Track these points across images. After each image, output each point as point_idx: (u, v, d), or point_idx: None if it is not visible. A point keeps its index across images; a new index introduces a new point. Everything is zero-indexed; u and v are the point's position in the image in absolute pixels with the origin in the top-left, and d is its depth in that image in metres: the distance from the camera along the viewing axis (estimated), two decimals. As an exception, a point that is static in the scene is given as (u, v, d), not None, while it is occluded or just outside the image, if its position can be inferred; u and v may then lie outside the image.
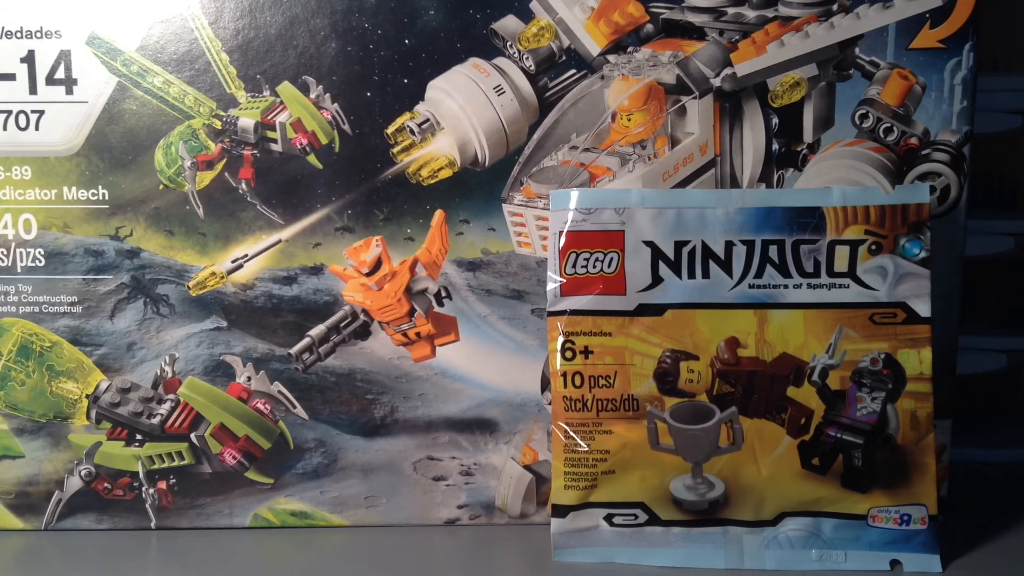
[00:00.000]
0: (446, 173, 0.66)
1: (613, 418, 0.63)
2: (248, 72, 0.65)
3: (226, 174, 0.66)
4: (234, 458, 0.68)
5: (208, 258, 0.67)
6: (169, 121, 0.65)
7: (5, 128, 0.65)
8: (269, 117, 0.66)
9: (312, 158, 0.66)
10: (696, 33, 0.66)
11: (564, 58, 0.66)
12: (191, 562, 0.65)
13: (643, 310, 0.63)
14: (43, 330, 0.67)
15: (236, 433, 0.68)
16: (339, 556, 0.66)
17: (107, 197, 0.66)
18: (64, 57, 0.64)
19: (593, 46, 0.66)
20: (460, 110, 0.65)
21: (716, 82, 0.66)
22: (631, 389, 0.63)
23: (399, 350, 0.68)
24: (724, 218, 0.63)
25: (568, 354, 0.63)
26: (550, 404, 0.65)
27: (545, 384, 0.68)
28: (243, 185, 0.66)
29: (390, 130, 0.65)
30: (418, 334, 0.68)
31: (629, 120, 0.66)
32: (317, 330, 0.67)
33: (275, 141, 0.66)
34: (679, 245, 0.63)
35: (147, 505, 0.69)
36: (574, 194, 0.64)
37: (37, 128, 0.65)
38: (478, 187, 0.66)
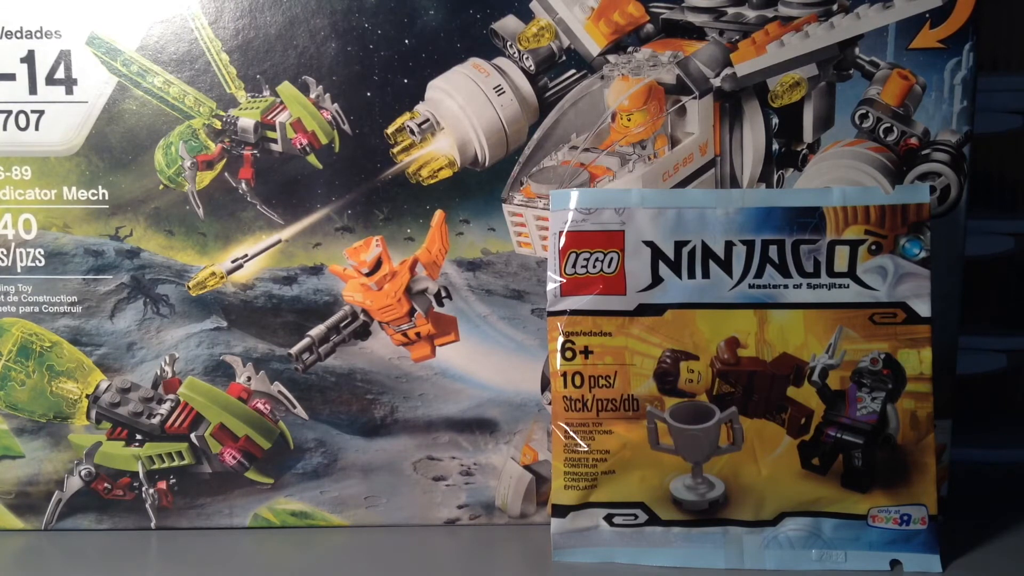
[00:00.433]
0: (446, 173, 0.66)
1: (613, 418, 0.63)
2: (248, 72, 0.65)
3: (226, 174, 0.66)
4: (234, 458, 0.68)
5: (208, 258, 0.67)
6: (169, 121, 0.65)
7: (5, 128, 0.65)
8: (269, 117, 0.66)
9: (312, 158, 0.66)
10: (696, 33, 0.66)
11: (564, 58, 0.66)
12: (191, 562, 0.65)
13: (643, 310, 0.63)
14: (43, 330, 0.67)
15: (236, 433, 0.68)
16: (339, 556, 0.66)
17: (107, 197, 0.66)
18: (64, 57, 0.64)
19: (593, 46, 0.66)
20: (460, 110, 0.65)
21: (716, 82, 0.66)
22: (631, 389, 0.63)
23: (399, 350, 0.68)
24: (724, 218, 0.63)
25: (568, 354, 0.63)
26: (550, 404, 0.65)
27: (545, 384, 0.68)
28: (243, 185, 0.66)
29: (390, 130, 0.65)
30: (418, 334, 0.68)
31: (629, 120, 0.66)
32: (317, 330, 0.67)
33: (275, 141, 0.66)
34: (679, 245, 0.63)
35: (147, 505, 0.69)
36: (574, 194, 0.64)
37: (37, 128, 0.65)
38: (478, 187, 0.66)
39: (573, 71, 0.66)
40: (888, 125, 0.66)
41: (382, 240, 0.67)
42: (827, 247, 0.63)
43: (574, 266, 0.63)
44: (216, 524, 0.69)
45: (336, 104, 0.65)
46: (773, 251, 0.63)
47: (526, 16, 0.65)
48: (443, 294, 0.67)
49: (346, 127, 0.65)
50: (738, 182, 0.68)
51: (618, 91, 0.66)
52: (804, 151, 0.67)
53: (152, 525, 0.69)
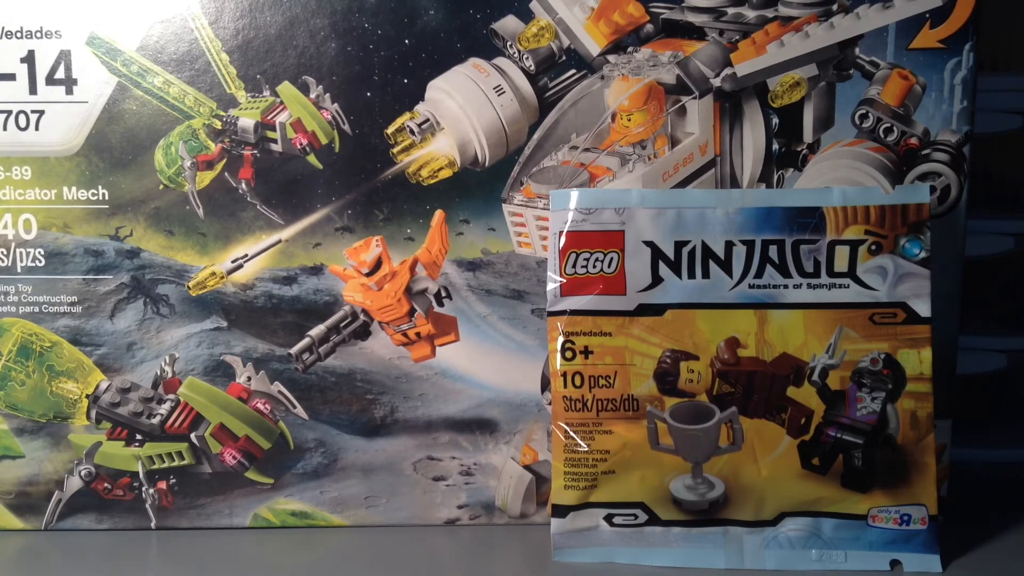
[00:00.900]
0: (446, 173, 0.66)
1: (613, 418, 0.63)
2: (248, 72, 0.65)
3: (226, 174, 0.66)
4: (234, 458, 0.68)
5: (208, 258, 0.67)
6: (169, 121, 0.65)
7: (5, 128, 0.65)
8: (269, 117, 0.66)
9: (312, 158, 0.66)
10: (696, 33, 0.66)
11: (564, 58, 0.66)
12: (191, 562, 0.65)
13: (643, 310, 0.63)
14: (43, 330, 0.67)
15: (236, 433, 0.68)
16: (339, 556, 0.66)
17: (107, 197, 0.66)
18: (64, 57, 0.64)
19: (593, 46, 0.66)
20: (460, 110, 0.65)
21: (716, 82, 0.66)
22: (631, 389, 0.63)
23: (399, 350, 0.68)
24: (724, 218, 0.63)
25: (568, 354, 0.63)
26: (550, 404, 0.65)
27: (545, 384, 0.68)
28: (243, 185, 0.66)
29: (390, 130, 0.65)
30: (418, 334, 0.68)
31: (629, 120, 0.66)
32: (317, 330, 0.67)
33: (275, 141, 0.66)
34: (679, 245, 0.63)
35: (147, 505, 0.69)
36: (574, 194, 0.64)
37: (37, 128, 0.65)
38: (478, 187, 0.66)
39: (573, 71, 0.66)
40: (888, 125, 0.66)
41: (382, 240, 0.67)
42: (827, 247, 0.63)
43: (574, 266, 0.63)
44: (216, 524, 0.69)
45: (336, 104, 0.65)
46: (773, 251, 0.63)
47: (526, 16, 0.65)
48: (443, 294, 0.67)
49: (346, 127, 0.65)
50: (738, 182, 0.68)
51: (618, 91, 0.66)
52: (804, 151, 0.67)
53: (152, 525, 0.69)
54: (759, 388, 0.63)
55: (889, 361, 0.62)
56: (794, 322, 0.63)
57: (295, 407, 0.68)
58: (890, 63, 0.66)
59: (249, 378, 0.68)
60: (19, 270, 0.66)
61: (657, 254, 0.63)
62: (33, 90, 0.65)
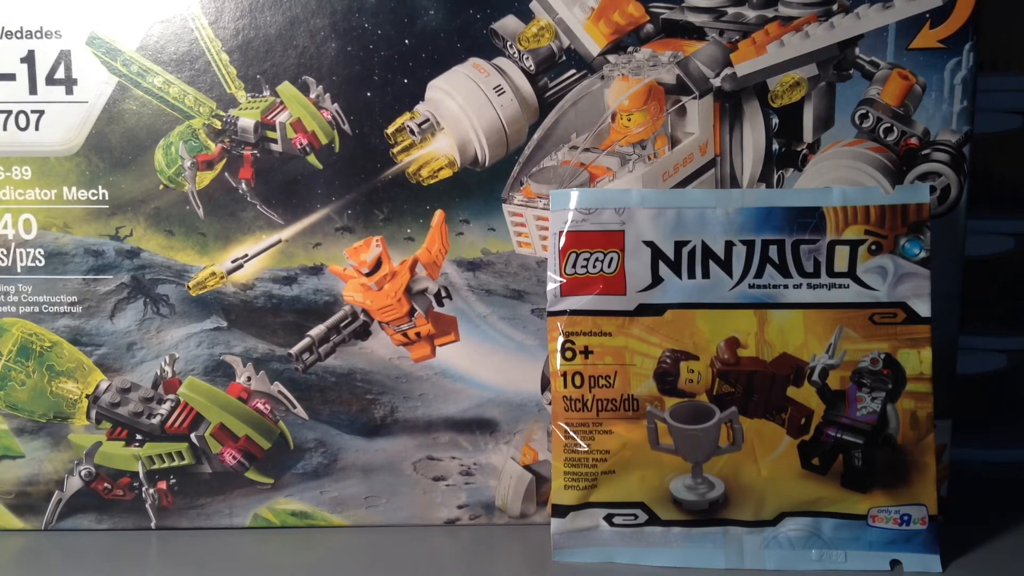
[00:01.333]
0: (446, 173, 0.66)
1: (613, 418, 0.63)
2: (248, 72, 0.65)
3: (226, 174, 0.66)
4: (234, 458, 0.68)
5: (208, 258, 0.67)
6: (169, 121, 0.65)
7: (5, 128, 0.65)
8: (269, 117, 0.66)
9: (312, 158, 0.66)
10: (696, 33, 0.66)
11: (564, 58, 0.66)
12: (191, 562, 0.65)
13: (643, 310, 0.63)
14: (43, 330, 0.67)
15: (236, 433, 0.68)
16: (339, 556, 0.66)
17: (107, 197, 0.66)
18: (64, 57, 0.64)
19: (593, 46, 0.66)
20: (460, 110, 0.65)
21: (716, 82, 0.66)
22: (631, 389, 0.63)
23: (399, 350, 0.68)
24: (724, 218, 0.63)
25: (568, 354, 0.63)
26: (550, 404, 0.65)
27: (545, 384, 0.68)
28: (243, 185, 0.66)
29: (390, 130, 0.65)
30: (418, 334, 0.68)
31: (629, 120, 0.66)
32: (317, 330, 0.67)
33: (275, 141, 0.66)
34: (679, 245, 0.63)
35: (147, 505, 0.69)
36: (574, 194, 0.64)
37: (37, 128, 0.65)
38: (478, 187, 0.66)
39: (573, 71, 0.66)
40: (888, 125, 0.66)
41: (382, 240, 0.67)
42: (827, 247, 0.63)
43: (574, 266, 0.63)
44: (216, 524, 0.69)
45: (336, 104, 0.65)
46: (773, 251, 0.63)
47: (526, 16, 0.65)
48: (443, 294, 0.67)
49: (346, 127, 0.65)
50: (738, 182, 0.68)
51: (618, 91, 0.66)
52: (804, 151, 0.67)
53: (152, 525, 0.69)
54: (759, 388, 0.63)
55: (889, 361, 0.62)
56: (794, 322, 0.63)
57: (295, 407, 0.68)
58: (890, 63, 0.66)
59: (249, 378, 0.68)
60: (19, 270, 0.66)
61: (657, 254, 0.63)
62: (33, 90, 0.65)
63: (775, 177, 0.67)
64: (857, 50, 0.66)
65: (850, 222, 0.63)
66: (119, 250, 0.66)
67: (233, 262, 0.67)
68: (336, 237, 0.67)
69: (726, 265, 0.63)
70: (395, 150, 0.66)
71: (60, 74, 0.64)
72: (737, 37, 0.66)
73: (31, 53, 0.64)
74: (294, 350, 0.68)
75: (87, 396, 0.68)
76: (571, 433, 0.64)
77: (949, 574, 0.63)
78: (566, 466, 0.64)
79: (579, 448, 0.64)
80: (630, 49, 0.66)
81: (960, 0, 0.64)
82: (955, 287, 0.68)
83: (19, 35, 0.64)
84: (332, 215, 0.66)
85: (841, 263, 0.63)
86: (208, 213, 0.66)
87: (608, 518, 0.64)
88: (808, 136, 0.67)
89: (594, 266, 0.63)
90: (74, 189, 0.66)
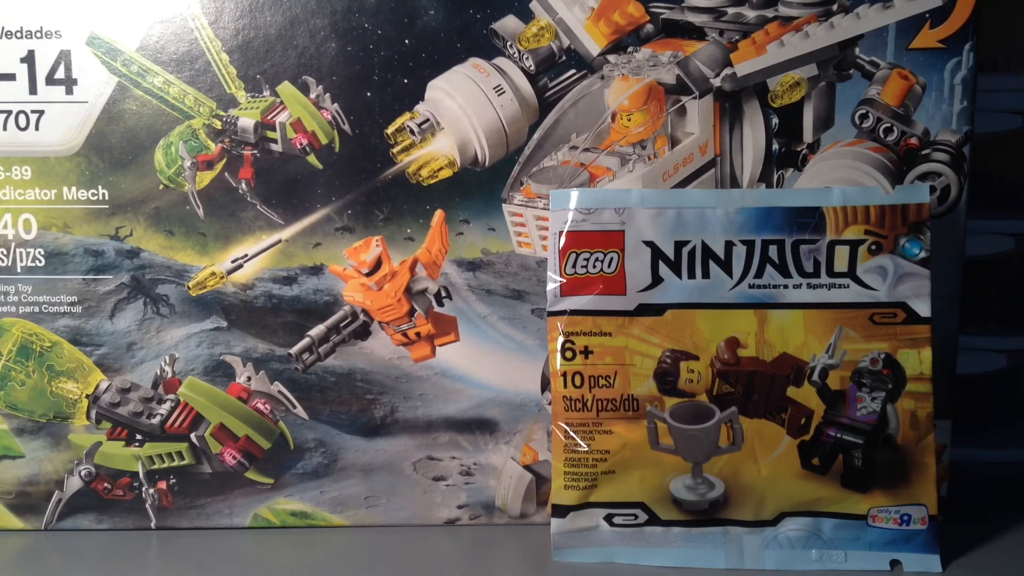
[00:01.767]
0: (446, 173, 0.66)
1: (613, 418, 0.63)
2: (248, 72, 0.65)
3: (226, 174, 0.66)
4: (234, 458, 0.68)
5: (208, 258, 0.67)
6: (169, 121, 0.65)
7: (5, 128, 0.65)
8: (269, 117, 0.66)
9: (312, 158, 0.66)
10: (696, 33, 0.66)
11: (564, 58, 0.66)
12: (191, 562, 0.65)
13: (643, 310, 0.63)
14: (43, 330, 0.67)
15: (236, 433, 0.68)
16: (339, 556, 0.66)
17: (107, 197, 0.66)
18: (64, 57, 0.64)
19: (593, 46, 0.66)
20: (460, 110, 0.65)
21: (716, 82, 0.66)
22: (631, 389, 0.63)
23: (399, 350, 0.68)
24: (724, 218, 0.63)
25: (568, 354, 0.63)
26: (550, 404, 0.65)
27: (545, 384, 0.68)
28: (243, 185, 0.66)
29: (390, 130, 0.65)
30: (418, 334, 0.68)
31: (629, 120, 0.66)
32: (317, 330, 0.67)
33: (275, 141, 0.66)
34: (679, 245, 0.63)
35: (147, 505, 0.69)
36: (574, 194, 0.64)
37: (37, 128, 0.65)
38: (478, 187, 0.66)
39: (573, 71, 0.66)
40: (888, 125, 0.66)
41: (382, 240, 0.67)
42: (827, 247, 0.63)
43: (574, 266, 0.63)
44: (216, 524, 0.69)
45: (336, 104, 0.65)
46: (773, 251, 0.63)
47: (526, 16, 0.65)
48: (443, 294, 0.67)
49: (346, 127, 0.65)
50: (738, 182, 0.68)
51: (618, 91, 0.66)
52: (804, 151, 0.67)
53: (152, 525, 0.69)
54: (759, 388, 0.63)
55: (889, 361, 0.62)
56: (794, 322, 0.63)
57: (295, 407, 0.68)
58: (890, 63, 0.66)
59: (249, 378, 0.68)
60: (19, 270, 0.66)
61: (657, 254, 0.63)
62: (33, 90, 0.65)
63: (775, 177, 0.67)
64: (857, 50, 0.66)
65: (850, 222, 0.63)
66: (119, 250, 0.66)
67: (233, 262, 0.67)
68: (336, 237, 0.67)
69: (726, 265, 0.63)
70: (395, 150, 0.66)
71: (60, 74, 0.64)
72: (737, 37, 0.66)
73: (31, 53, 0.64)
74: (294, 350, 0.68)
75: (87, 396, 0.68)
76: (571, 433, 0.64)
77: (949, 574, 0.63)
78: (566, 466, 0.64)
79: (579, 448, 0.64)
80: (630, 49, 0.66)
81: (960, 0, 0.64)
82: (955, 287, 0.68)
83: (19, 35, 0.64)
84: (332, 215, 0.66)
85: (841, 263, 0.63)
86: (208, 213, 0.66)
87: (608, 518, 0.64)
88: (808, 136, 0.67)
89: (594, 266, 0.63)
90: (74, 189, 0.66)
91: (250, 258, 0.67)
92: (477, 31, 0.65)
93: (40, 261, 0.66)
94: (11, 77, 0.64)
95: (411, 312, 0.67)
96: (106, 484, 0.68)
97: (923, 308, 0.62)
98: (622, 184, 0.66)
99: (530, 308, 0.68)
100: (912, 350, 0.62)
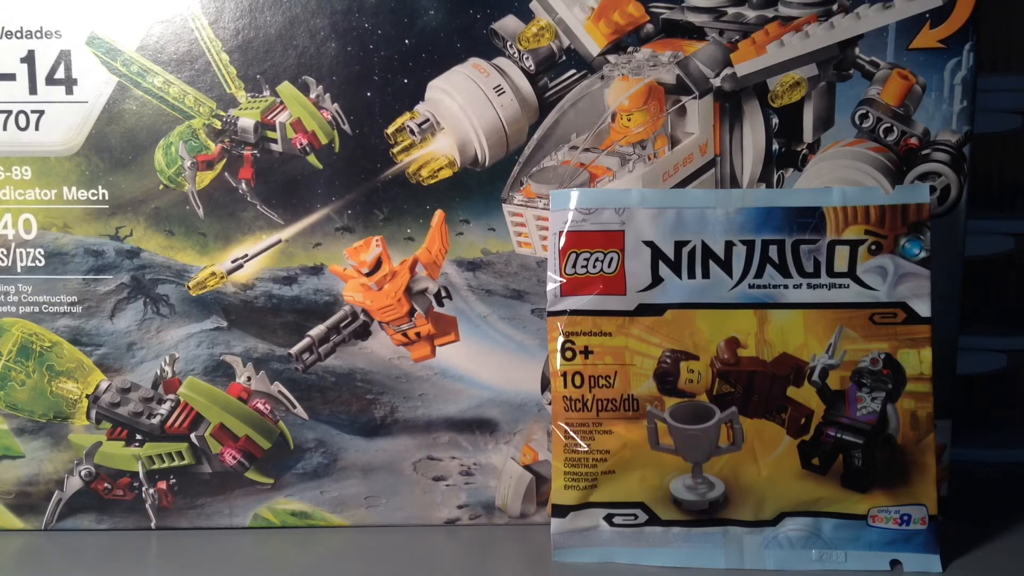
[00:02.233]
0: (446, 173, 0.66)
1: (613, 418, 0.63)
2: (248, 72, 0.65)
3: (226, 174, 0.66)
4: (234, 458, 0.68)
5: (208, 258, 0.67)
6: (169, 121, 0.65)
7: (5, 128, 0.65)
8: (269, 117, 0.66)
9: (312, 158, 0.66)
10: (696, 33, 0.66)
11: (564, 58, 0.66)
12: (191, 562, 0.65)
13: (643, 310, 0.63)
14: (43, 330, 0.67)
15: (236, 433, 0.68)
16: (339, 556, 0.66)
17: (107, 197, 0.66)
18: (64, 57, 0.64)
19: (593, 46, 0.66)
20: (460, 110, 0.65)
21: (716, 82, 0.66)
22: (631, 389, 0.63)
23: (399, 350, 0.68)
24: (724, 218, 0.63)
25: (568, 354, 0.63)
26: (550, 404, 0.65)
27: (545, 384, 0.68)
28: (243, 185, 0.66)
29: (390, 130, 0.65)
30: (418, 334, 0.68)
31: (629, 120, 0.66)
32: (317, 330, 0.67)
33: (275, 141, 0.66)
34: (679, 245, 0.63)
35: (147, 505, 0.69)
36: (574, 194, 0.64)
37: (37, 128, 0.65)
38: (478, 187, 0.66)
39: (573, 71, 0.66)
40: (888, 125, 0.66)
41: (382, 240, 0.67)
42: (827, 247, 0.63)
43: (574, 266, 0.63)
44: (216, 524, 0.69)
45: (336, 104, 0.65)
46: (773, 251, 0.63)
47: (526, 16, 0.65)
48: (443, 294, 0.67)
49: (346, 127, 0.65)
50: (738, 182, 0.68)
51: (618, 91, 0.66)
52: (804, 151, 0.67)
53: (152, 525, 0.69)
54: (759, 388, 0.63)
55: (889, 361, 0.62)
56: (794, 322, 0.63)
57: (295, 407, 0.68)
58: (890, 63, 0.66)
59: (249, 378, 0.68)
60: (19, 270, 0.66)
61: (657, 254, 0.63)
62: (33, 90, 0.65)
63: (775, 177, 0.67)
64: (857, 50, 0.66)
65: (850, 222, 0.63)
66: (119, 250, 0.66)
67: (233, 262, 0.67)
68: (336, 237, 0.67)
69: (726, 265, 0.63)
70: (395, 150, 0.66)
71: (60, 74, 0.64)
72: (737, 37, 0.66)
73: (31, 53, 0.64)
74: (294, 350, 0.68)
75: (87, 396, 0.68)
76: (571, 433, 0.64)
77: (949, 574, 0.63)
78: (566, 466, 0.64)
79: (579, 448, 0.64)
80: (630, 49, 0.66)
81: (960, 0, 0.64)
82: (955, 287, 0.68)
83: (19, 35, 0.64)
84: (332, 215, 0.66)
85: (841, 263, 0.63)
86: (208, 213, 0.66)
87: (608, 518, 0.64)
88: (808, 136, 0.67)
89: (594, 266, 0.63)
90: (74, 189, 0.66)
91: (250, 258, 0.67)
92: (477, 31, 0.65)
93: (40, 261, 0.66)
94: (11, 77, 0.64)
95: (411, 312, 0.67)
96: (106, 484, 0.68)
97: (923, 308, 0.62)
98: (622, 184, 0.66)
99: (530, 308, 0.68)
100: (912, 350, 0.62)
